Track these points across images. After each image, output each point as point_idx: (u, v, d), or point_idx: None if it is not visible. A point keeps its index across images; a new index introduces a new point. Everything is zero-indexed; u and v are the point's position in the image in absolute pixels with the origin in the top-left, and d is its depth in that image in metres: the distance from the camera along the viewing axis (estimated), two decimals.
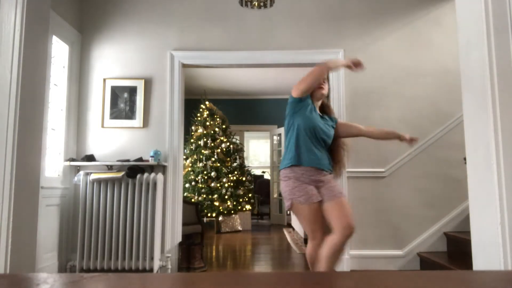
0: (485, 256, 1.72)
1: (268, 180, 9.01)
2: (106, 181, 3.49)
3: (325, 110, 2.68)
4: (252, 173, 7.67)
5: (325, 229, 2.39)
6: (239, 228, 6.82)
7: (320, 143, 2.46)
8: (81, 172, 3.55)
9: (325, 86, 2.57)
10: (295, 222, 5.97)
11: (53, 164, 3.48)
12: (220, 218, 6.59)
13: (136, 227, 3.46)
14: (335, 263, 2.30)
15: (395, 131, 2.68)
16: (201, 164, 6.66)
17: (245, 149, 8.37)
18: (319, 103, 2.62)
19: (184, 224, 3.98)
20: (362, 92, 3.80)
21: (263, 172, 10.19)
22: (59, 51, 3.59)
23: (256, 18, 3.89)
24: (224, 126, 7.01)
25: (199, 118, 7.01)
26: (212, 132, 6.84)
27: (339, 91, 3.79)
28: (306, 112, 2.47)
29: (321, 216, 2.38)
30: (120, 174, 3.48)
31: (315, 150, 2.42)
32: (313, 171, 2.39)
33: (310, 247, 2.41)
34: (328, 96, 3.91)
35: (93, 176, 3.47)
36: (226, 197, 6.59)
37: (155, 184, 3.52)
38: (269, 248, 5.17)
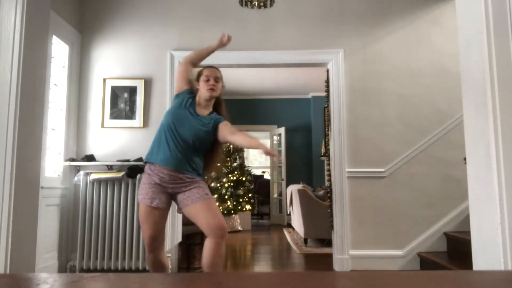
0: (485, 256, 1.72)
1: (268, 180, 9.01)
2: (106, 181, 3.49)
3: (217, 109, 2.48)
4: (252, 173, 7.67)
5: (159, 240, 2.36)
6: (239, 228, 6.82)
7: (182, 143, 2.26)
8: (81, 172, 3.55)
9: (216, 87, 2.39)
10: (295, 222, 5.97)
11: (53, 164, 3.48)
12: None
13: (136, 227, 3.46)
14: (219, 268, 2.18)
15: (258, 143, 2.20)
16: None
17: (245, 149, 8.36)
18: (209, 103, 2.42)
19: (184, 224, 3.98)
20: (362, 92, 3.80)
21: (263, 172, 10.19)
22: (59, 51, 3.59)
23: (256, 18, 3.89)
24: None
25: None
26: None
27: (339, 91, 3.79)
28: (175, 106, 2.38)
29: (155, 222, 2.31)
30: (120, 174, 3.48)
31: (173, 149, 2.24)
32: (166, 172, 2.23)
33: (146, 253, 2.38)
34: (327, 96, 3.92)
35: (93, 176, 3.47)
36: (226, 197, 6.59)
37: None
38: (269, 248, 5.17)
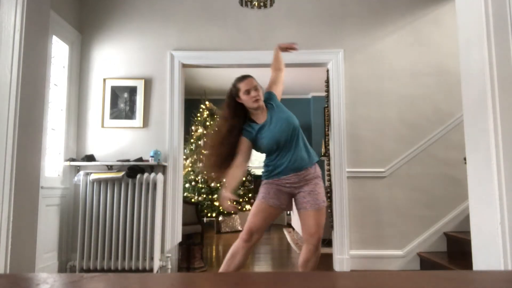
0: (485, 256, 1.72)
1: None
2: (106, 181, 3.49)
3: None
4: (252, 173, 7.67)
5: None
6: (239, 228, 6.82)
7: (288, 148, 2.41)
8: (81, 172, 3.55)
9: (260, 95, 2.41)
10: (295, 222, 5.97)
11: (53, 164, 3.48)
12: (220, 218, 6.60)
13: (136, 227, 3.46)
14: (311, 268, 2.38)
15: (276, 50, 2.72)
16: (201, 164, 6.66)
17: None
18: (260, 108, 2.46)
19: (184, 224, 3.98)
20: (362, 92, 3.80)
21: None
22: (59, 51, 3.59)
23: (256, 18, 3.89)
24: None
25: (199, 118, 7.01)
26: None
27: (339, 91, 3.79)
28: (257, 139, 2.45)
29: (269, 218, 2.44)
30: (120, 174, 3.48)
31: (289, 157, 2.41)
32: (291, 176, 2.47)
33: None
34: (327, 96, 3.92)
35: (93, 176, 3.47)
36: None
37: (155, 184, 3.52)
38: (269, 248, 5.17)
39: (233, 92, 2.45)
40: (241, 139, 2.42)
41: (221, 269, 2.38)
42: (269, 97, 2.53)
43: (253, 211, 2.38)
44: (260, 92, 2.43)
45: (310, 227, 2.32)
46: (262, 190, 2.41)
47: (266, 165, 2.43)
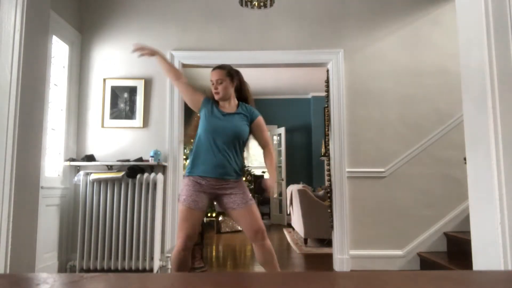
0: (485, 256, 1.72)
1: None
2: (106, 181, 3.49)
3: (242, 95, 2.59)
4: (252, 173, 7.67)
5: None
6: (239, 228, 6.82)
7: (222, 148, 2.39)
8: (81, 172, 3.55)
9: (220, 89, 2.45)
10: (295, 222, 5.97)
11: (53, 164, 3.48)
12: (220, 218, 6.60)
13: (136, 227, 3.46)
14: (273, 263, 2.37)
15: (266, 180, 2.49)
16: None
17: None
18: (229, 99, 2.50)
19: None
20: (362, 92, 3.80)
21: (263, 172, 10.19)
22: (59, 51, 3.59)
23: (256, 18, 3.89)
24: None
25: None
26: None
27: (339, 91, 3.79)
28: (204, 117, 2.49)
29: (195, 223, 2.35)
30: (120, 174, 3.48)
31: (214, 157, 2.38)
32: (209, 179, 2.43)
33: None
34: (327, 96, 3.92)
35: (93, 176, 3.47)
36: None
37: (155, 184, 3.52)
38: None
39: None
40: (202, 93, 2.56)
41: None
42: (251, 111, 2.53)
43: (183, 217, 2.32)
44: (224, 85, 2.45)
45: (250, 224, 2.32)
46: (184, 188, 2.37)
47: (193, 156, 2.41)
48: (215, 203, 2.54)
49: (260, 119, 2.54)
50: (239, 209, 2.34)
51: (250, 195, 2.42)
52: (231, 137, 2.38)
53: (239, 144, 2.43)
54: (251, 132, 2.52)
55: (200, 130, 2.44)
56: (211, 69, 2.53)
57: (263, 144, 2.55)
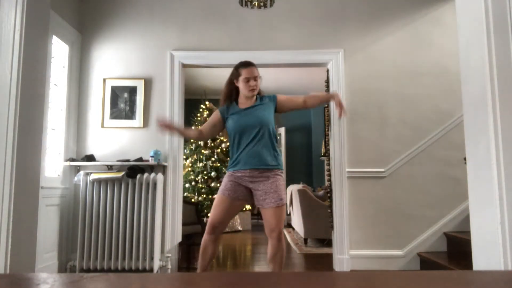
0: (485, 256, 1.72)
1: None
2: (106, 181, 3.49)
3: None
4: None
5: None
6: (239, 228, 6.82)
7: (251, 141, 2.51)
8: (81, 172, 3.55)
9: (257, 86, 2.58)
10: (295, 222, 5.97)
11: (53, 164, 3.48)
12: None
13: (136, 227, 3.46)
14: (279, 260, 2.50)
15: (328, 95, 2.82)
16: (201, 164, 6.66)
17: None
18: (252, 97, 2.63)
19: (184, 224, 3.98)
20: (362, 92, 3.80)
21: None
22: (59, 51, 3.59)
23: (256, 18, 3.89)
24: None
25: (199, 118, 7.01)
26: None
27: (339, 91, 3.79)
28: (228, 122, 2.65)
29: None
30: (120, 174, 3.48)
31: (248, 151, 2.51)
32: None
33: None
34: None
35: (93, 176, 3.47)
36: None
37: (155, 184, 3.52)
38: None
39: (234, 75, 2.62)
40: (215, 112, 2.66)
41: (198, 263, 2.53)
42: (269, 97, 2.66)
43: (213, 204, 2.53)
44: (259, 81, 2.58)
45: (270, 223, 2.44)
46: (222, 182, 2.56)
47: (230, 156, 2.59)
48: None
49: (280, 96, 2.67)
50: (267, 207, 2.44)
51: (284, 194, 2.50)
52: (257, 127, 2.48)
53: (268, 133, 2.51)
54: (284, 110, 2.64)
55: (229, 132, 2.58)
56: (244, 65, 2.61)
57: (301, 100, 2.63)
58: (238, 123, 2.51)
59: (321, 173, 8.06)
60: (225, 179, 2.54)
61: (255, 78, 2.54)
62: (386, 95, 3.81)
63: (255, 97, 2.62)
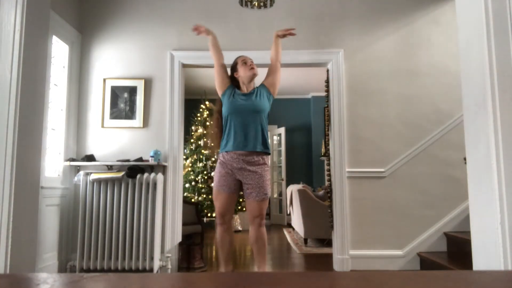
0: (485, 256, 1.72)
1: None
2: (106, 181, 3.49)
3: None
4: None
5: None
6: (239, 228, 6.82)
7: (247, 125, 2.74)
8: (81, 172, 3.55)
9: (254, 66, 2.88)
10: (295, 222, 5.97)
11: (53, 164, 3.48)
12: None
13: (136, 227, 3.46)
14: (262, 243, 2.74)
15: (275, 37, 3.04)
16: (201, 164, 6.66)
17: None
18: (252, 82, 2.91)
19: (184, 224, 3.98)
20: (362, 92, 3.80)
21: None
22: (59, 51, 3.59)
23: (256, 18, 3.89)
24: None
25: (199, 118, 7.01)
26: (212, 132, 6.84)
27: (339, 91, 3.79)
28: (227, 100, 2.90)
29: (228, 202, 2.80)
30: (120, 174, 3.48)
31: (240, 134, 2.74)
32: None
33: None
34: (327, 96, 3.92)
35: (93, 176, 3.47)
36: None
37: (155, 184, 3.52)
38: (269, 248, 5.16)
39: (232, 69, 2.91)
40: (228, 80, 2.90)
41: (220, 256, 2.87)
42: (261, 85, 2.92)
43: (214, 197, 2.79)
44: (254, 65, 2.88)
45: (253, 212, 2.71)
46: (215, 174, 2.77)
47: (222, 137, 2.79)
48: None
49: (263, 81, 2.96)
50: (251, 199, 2.69)
51: (269, 187, 2.74)
52: (251, 112, 2.71)
53: (260, 119, 2.74)
54: (274, 81, 2.91)
55: (224, 113, 2.77)
56: (239, 56, 2.95)
57: (272, 62, 3.00)
58: (235, 105, 2.73)
59: (321, 173, 8.06)
60: (217, 170, 2.75)
61: (252, 61, 2.87)
62: (386, 95, 3.81)
63: (253, 85, 2.87)
